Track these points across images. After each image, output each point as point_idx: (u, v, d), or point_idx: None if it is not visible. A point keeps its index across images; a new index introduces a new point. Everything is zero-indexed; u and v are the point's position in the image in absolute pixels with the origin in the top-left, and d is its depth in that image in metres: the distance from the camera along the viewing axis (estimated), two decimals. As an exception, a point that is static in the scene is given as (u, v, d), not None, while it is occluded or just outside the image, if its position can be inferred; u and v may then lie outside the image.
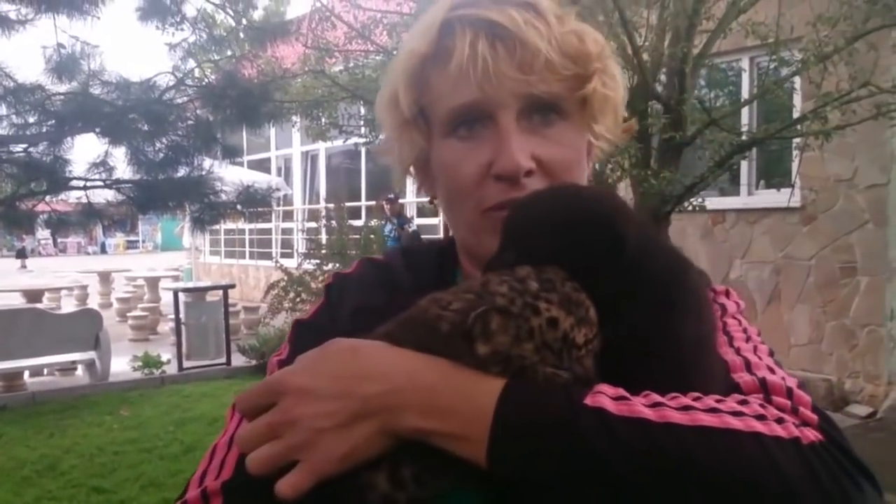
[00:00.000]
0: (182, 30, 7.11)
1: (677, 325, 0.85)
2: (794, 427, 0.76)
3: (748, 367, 0.90)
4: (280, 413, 0.78)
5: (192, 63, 7.49)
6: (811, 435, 0.76)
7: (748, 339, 0.98)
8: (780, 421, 0.76)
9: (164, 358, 9.70)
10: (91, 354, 8.93)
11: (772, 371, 0.90)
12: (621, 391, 0.76)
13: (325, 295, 1.11)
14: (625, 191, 6.02)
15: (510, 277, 0.81)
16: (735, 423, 0.74)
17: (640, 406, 0.74)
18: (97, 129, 6.60)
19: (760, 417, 0.76)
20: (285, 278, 10.07)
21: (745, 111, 7.35)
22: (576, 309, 0.79)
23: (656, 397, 0.76)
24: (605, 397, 0.75)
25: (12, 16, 6.42)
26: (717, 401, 0.77)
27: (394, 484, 0.78)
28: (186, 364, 9.84)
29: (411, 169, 1.10)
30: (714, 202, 7.62)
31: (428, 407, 0.77)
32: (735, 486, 0.70)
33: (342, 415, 0.77)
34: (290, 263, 10.87)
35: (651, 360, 0.83)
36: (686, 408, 0.75)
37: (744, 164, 8.01)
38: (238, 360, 9.91)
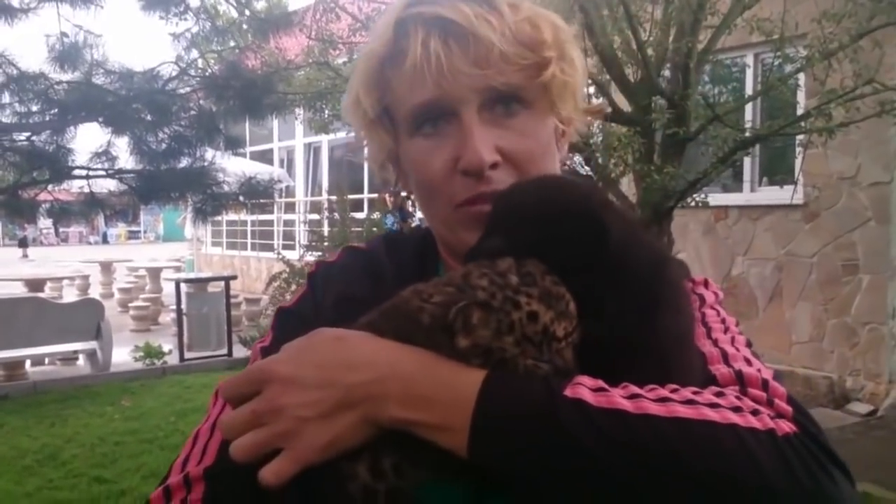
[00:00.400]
0: (185, 20, 7.09)
1: (658, 319, 0.87)
2: (770, 419, 0.77)
3: (725, 358, 0.92)
4: (265, 401, 0.79)
5: (195, 53, 7.48)
6: (786, 426, 0.77)
7: (726, 331, 1.00)
8: (755, 413, 0.77)
9: (166, 348, 9.73)
10: (92, 344, 8.95)
11: (748, 363, 0.91)
12: (600, 382, 0.77)
13: (309, 283, 1.11)
14: (627, 185, 6.01)
15: (490, 271, 0.82)
16: (711, 414, 0.75)
17: (619, 397, 0.75)
18: (100, 119, 6.59)
19: (736, 409, 0.77)
20: (287, 270, 10.07)
21: (748, 107, 7.33)
22: (556, 303, 0.81)
23: (634, 389, 0.77)
24: (584, 388, 0.76)
25: (15, 3, 6.41)
26: (694, 392, 0.79)
27: (374, 474, 0.79)
28: (188, 355, 9.87)
29: (389, 166, 1.10)
30: (717, 198, 7.62)
31: (410, 397, 0.78)
32: (711, 476, 0.71)
33: (326, 404, 0.78)
34: (291, 255, 10.87)
35: (632, 353, 0.84)
36: (663, 399, 0.76)
37: (746, 161, 7.99)
38: (239, 352, 9.91)
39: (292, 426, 0.77)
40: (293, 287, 9.88)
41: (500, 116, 0.97)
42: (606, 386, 0.77)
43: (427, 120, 0.98)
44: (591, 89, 5.94)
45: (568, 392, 0.75)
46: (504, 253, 0.84)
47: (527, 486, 0.74)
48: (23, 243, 35.11)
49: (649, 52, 5.41)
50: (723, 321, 1.02)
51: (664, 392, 0.78)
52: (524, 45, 0.95)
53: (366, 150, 1.10)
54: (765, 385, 0.86)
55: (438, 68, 0.92)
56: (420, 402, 0.77)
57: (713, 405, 0.77)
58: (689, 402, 0.76)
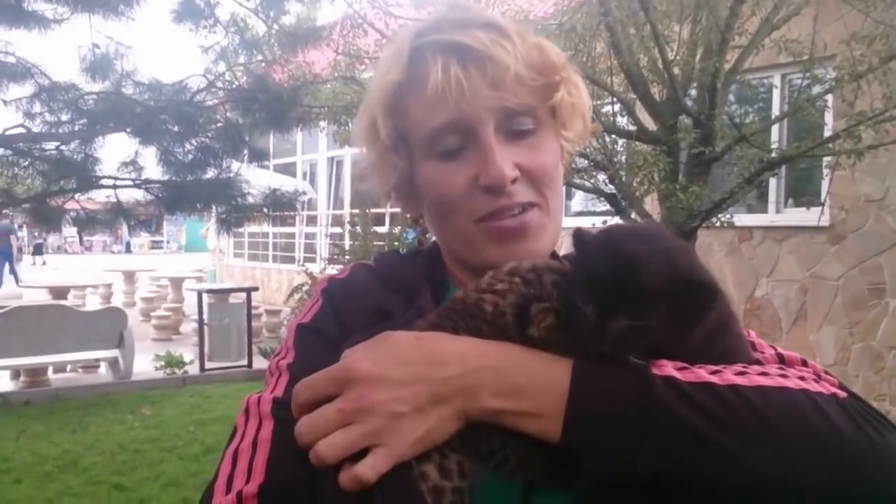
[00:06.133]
0: (215, 33, 7.20)
1: (725, 339, 0.91)
2: (830, 385, 0.85)
3: (754, 347, 0.99)
4: (354, 400, 0.79)
5: (223, 66, 7.57)
6: (841, 392, 0.85)
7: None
8: (816, 381, 0.85)
9: (187, 358, 9.77)
10: (115, 352, 8.99)
11: (774, 349, 1.00)
12: (679, 363, 0.82)
13: (323, 298, 1.09)
14: (652, 204, 5.99)
15: (561, 279, 0.86)
16: (786, 382, 0.82)
17: (704, 372, 0.80)
18: (128, 129, 6.68)
19: (802, 378, 0.84)
20: (309, 282, 10.09)
21: (775, 128, 7.30)
22: None
23: (712, 367, 0.82)
24: (669, 367, 0.80)
25: (49, 14, 6.52)
26: (762, 366, 0.86)
27: (442, 474, 0.80)
28: (208, 365, 9.90)
29: (396, 192, 1.13)
30: (741, 219, 7.56)
31: (502, 386, 0.81)
32: (799, 436, 0.77)
33: (419, 399, 0.80)
34: (313, 268, 10.89)
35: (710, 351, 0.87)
36: (741, 373, 0.82)
37: (772, 182, 7.94)
38: (259, 363, 9.93)
39: (386, 423, 0.78)
40: (314, 299, 9.90)
41: (514, 135, 1.01)
42: (687, 364, 0.81)
43: (445, 140, 1.01)
44: (616, 107, 5.94)
45: (656, 370, 0.79)
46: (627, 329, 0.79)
47: (625, 463, 0.77)
48: (38, 250, 35.82)
49: (676, 71, 5.40)
50: None
51: (738, 368, 0.83)
52: (534, 68, 1.00)
53: (370, 174, 1.12)
54: (804, 363, 0.94)
55: (459, 91, 0.97)
56: (513, 391, 0.80)
57: (783, 375, 0.83)
58: (763, 373, 0.83)
